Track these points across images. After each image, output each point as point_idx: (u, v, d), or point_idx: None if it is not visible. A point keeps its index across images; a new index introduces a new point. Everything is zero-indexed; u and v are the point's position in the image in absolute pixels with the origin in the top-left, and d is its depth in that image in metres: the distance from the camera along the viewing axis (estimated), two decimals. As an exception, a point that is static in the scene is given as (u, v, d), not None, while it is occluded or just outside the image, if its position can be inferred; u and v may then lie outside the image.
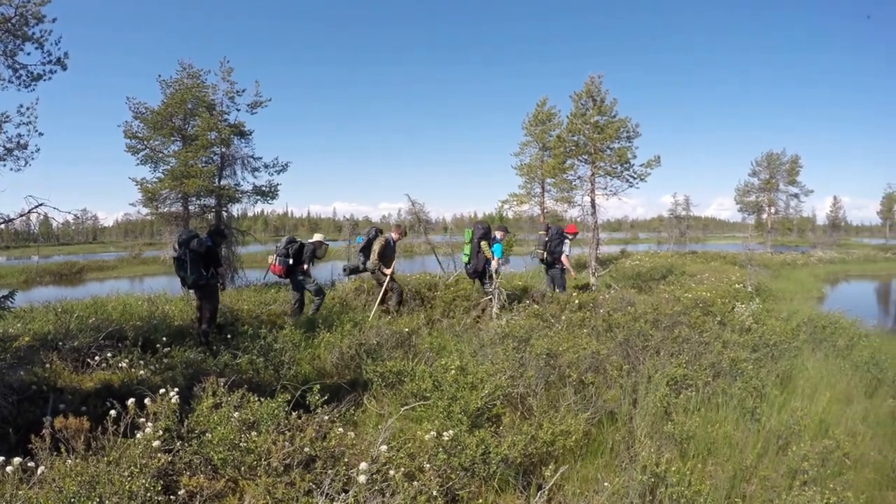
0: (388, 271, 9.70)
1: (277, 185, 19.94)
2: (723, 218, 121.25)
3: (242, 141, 19.51)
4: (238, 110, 19.39)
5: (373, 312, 9.17)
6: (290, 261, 9.41)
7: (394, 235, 10.10)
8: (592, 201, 20.29)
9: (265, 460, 3.48)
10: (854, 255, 48.11)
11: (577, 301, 9.92)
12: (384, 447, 3.55)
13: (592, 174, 20.22)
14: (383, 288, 9.63)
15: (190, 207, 18.98)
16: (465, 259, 10.47)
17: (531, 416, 4.78)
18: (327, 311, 9.04)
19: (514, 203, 30.73)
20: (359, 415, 4.96)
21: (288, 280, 9.81)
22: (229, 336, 6.96)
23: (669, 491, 3.53)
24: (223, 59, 19.08)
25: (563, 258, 11.11)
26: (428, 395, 4.72)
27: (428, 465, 3.46)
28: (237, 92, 19.15)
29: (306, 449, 3.56)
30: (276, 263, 9.51)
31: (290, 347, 6.34)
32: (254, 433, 3.71)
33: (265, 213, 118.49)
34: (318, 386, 4.37)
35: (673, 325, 7.96)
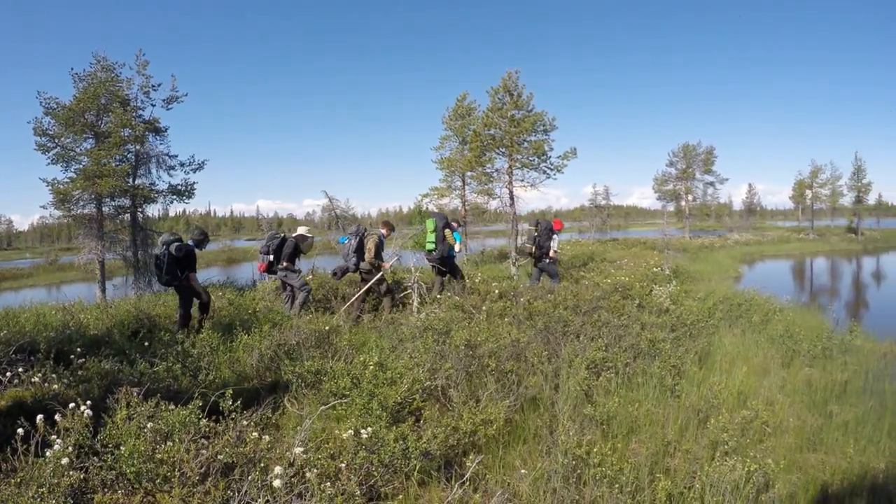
0: (386, 265, 9.72)
1: (194, 183, 19.03)
2: (644, 206, 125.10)
3: (157, 138, 18.46)
4: (153, 105, 18.34)
5: (344, 308, 9.18)
6: (271, 257, 9.52)
7: (383, 231, 10.08)
8: (511, 193, 20.66)
9: (179, 470, 3.37)
10: (769, 237, 51.18)
11: (497, 291, 10.10)
12: (299, 449, 3.50)
13: (510, 166, 20.55)
14: (367, 285, 9.55)
15: (104, 209, 17.90)
16: (431, 247, 10.65)
17: (452, 407, 4.80)
18: (245, 312, 8.85)
19: (435, 196, 30.56)
20: (279, 417, 4.84)
21: (268, 276, 10.15)
22: (147, 343, 6.69)
23: (592, 472, 3.63)
24: (139, 51, 18.02)
25: (553, 252, 11.88)
26: (347, 392, 4.67)
27: (344, 465, 3.42)
28: (153, 86, 18.14)
29: (220, 456, 3.44)
30: (260, 261, 9.75)
31: (209, 352, 6.16)
32: (169, 443, 3.58)
33: (187, 212, 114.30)
34: (230, 391, 4.24)
35: (592, 310, 8.20)
